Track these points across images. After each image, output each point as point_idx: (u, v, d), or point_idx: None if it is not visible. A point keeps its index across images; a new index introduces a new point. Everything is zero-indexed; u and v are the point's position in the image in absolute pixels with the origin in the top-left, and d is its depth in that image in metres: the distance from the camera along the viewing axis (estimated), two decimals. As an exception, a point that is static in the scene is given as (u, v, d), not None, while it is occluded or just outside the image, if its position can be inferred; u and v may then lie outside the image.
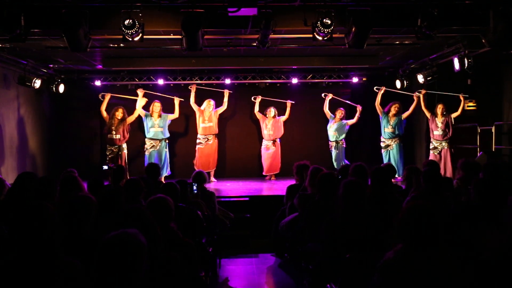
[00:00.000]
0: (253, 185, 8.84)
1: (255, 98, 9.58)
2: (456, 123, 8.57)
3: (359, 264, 2.98)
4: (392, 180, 5.34)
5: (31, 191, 4.13)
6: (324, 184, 4.30)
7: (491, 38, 5.58)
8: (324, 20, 5.30)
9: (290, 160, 7.57)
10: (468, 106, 8.65)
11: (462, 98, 8.46)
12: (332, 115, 9.48)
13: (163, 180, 8.33)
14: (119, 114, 8.66)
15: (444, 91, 8.59)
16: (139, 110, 8.91)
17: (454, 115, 8.45)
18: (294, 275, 5.28)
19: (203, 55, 8.25)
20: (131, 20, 5.28)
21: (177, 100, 9.10)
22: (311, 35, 5.53)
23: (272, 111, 9.47)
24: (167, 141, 9.09)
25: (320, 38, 5.50)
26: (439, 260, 2.28)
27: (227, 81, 9.46)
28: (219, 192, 7.79)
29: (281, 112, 9.61)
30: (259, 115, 9.57)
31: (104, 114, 8.79)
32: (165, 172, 8.94)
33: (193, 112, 9.34)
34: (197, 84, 9.48)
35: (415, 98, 8.96)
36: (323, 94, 9.58)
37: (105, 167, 7.14)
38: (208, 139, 9.22)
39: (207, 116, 9.18)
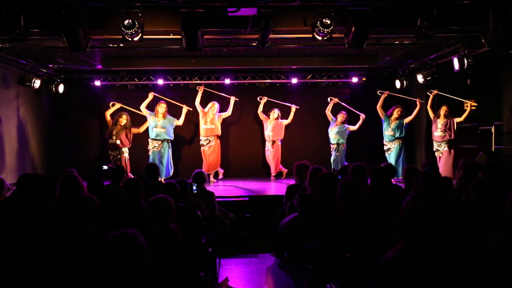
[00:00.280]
0: (253, 185, 8.85)
1: (260, 99, 9.59)
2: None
3: (359, 264, 2.98)
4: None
5: (31, 192, 4.13)
6: (323, 184, 4.30)
7: (491, 38, 5.58)
8: (324, 20, 5.30)
9: (290, 160, 7.57)
10: (467, 106, 8.64)
11: (469, 107, 8.36)
12: (333, 117, 9.47)
13: (163, 181, 8.32)
14: (123, 120, 8.64)
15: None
16: (143, 110, 8.93)
17: (457, 119, 8.37)
18: (294, 275, 5.27)
19: (203, 55, 8.25)
20: (130, 20, 5.28)
21: (185, 109, 9.13)
22: (310, 35, 5.53)
23: (275, 112, 9.48)
24: (169, 142, 9.08)
25: (320, 38, 5.50)
26: (439, 260, 2.28)
27: (227, 81, 9.47)
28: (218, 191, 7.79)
29: (284, 115, 9.61)
30: (262, 116, 9.58)
31: (108, 118, 8.78)
32: (166, 173, 8.89)
33: (198, 115, 9.31)
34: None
35: (418, 103, 8.95)
36: (329, 98, 9.58)
37: (105, 167, 7.14)
38: (210, 141, 9.23)
39: (210, 118, 9.20)
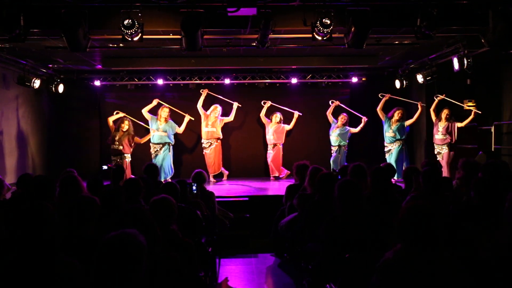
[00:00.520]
0: (253, 185, 8.85)
1: (264, 103, 9.62)
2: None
3: (358, 264, 2.98)
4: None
5: (30, 192, 4.13)
6: (323, 184, 4.30)
7: (491, 38, 5.58)
8: (324, 20, 5.30)
9: (290, 160, 7.57)
10: (467, 106, 8.64)
11: (473, 115, 8.30)
12: (334, 120, 9.46)
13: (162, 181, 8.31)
14: (125, 126, 8.63)
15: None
16: (144, 113, 8.94)
17: (458, 124, 8.34)
18: (294, 275, 5.27)
19: (203, 55, 8.25)
20: (130, 20, 5.28)
21: (187, 118, 9.16)
22: (310, 35, 5.53)
23: (277, 116, 9.50)
24: (170, 145, 9.08)
25: (320, 38, 5.50)
26: (438, 260, 2.27)
27: (227, 81, 9.47)
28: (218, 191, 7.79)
29: (286, 120, 9.61)
30: (264, 120, 9.61)
31: (111, 124, 8.77)
32: (164, 176, 8.87)
33: (200, 117, 9.33)
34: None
35: (419, 107, 8.95)
36: (330, 101, 9.57)
37: (105, 167, 7.13)
38: (211, 143, 9.27)
39: (211, 121, 9.24)
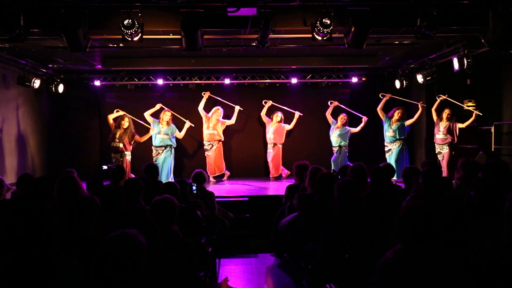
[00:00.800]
0: (253, 185, 8.85)
1: (265, 102, 9.62)
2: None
3: (358, 264, 2.98)
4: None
5: (30, 192, 4.13)
6: (323, 184, 4.30)
7: (491, 38, 5.58)
8: (324, 20, 5.30)
9: (290, 160, 7.57)
10: (467, 106, 8.64)
11: (474, 116, 8.30)
12: (334, 120, 9.45)
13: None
14: (125, 123, 8.61)
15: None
16: (146, 117, 8.94)
17: (459, 125, 8.35)
18: (294, 275, 5.27)
19: (203, 55, 8.25)
20: (130, 20, 5.28)
21: (187, 124, 9.16)
22: (310, 35, 5.53)
23: (278, 115, 9.50)
24: (172, 148, 9.08)
25: (320, 38, 5.51)
26: (438, 260, 2.27)
27: (227, 81, 9.47)
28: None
29: (287, 119, 9.61)
30: (265, 119, 9.62)
31: (111, 121, 8.75)
32: (165, 179, 8.86)
33: (202, 120, 9.33)
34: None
35: (420, 107, 8.95)
36: (329, 102, 9.56)
37: (105, 167, 7.13)
38: (212, 145, 9.29)
39: (213, 123, 9.26)
